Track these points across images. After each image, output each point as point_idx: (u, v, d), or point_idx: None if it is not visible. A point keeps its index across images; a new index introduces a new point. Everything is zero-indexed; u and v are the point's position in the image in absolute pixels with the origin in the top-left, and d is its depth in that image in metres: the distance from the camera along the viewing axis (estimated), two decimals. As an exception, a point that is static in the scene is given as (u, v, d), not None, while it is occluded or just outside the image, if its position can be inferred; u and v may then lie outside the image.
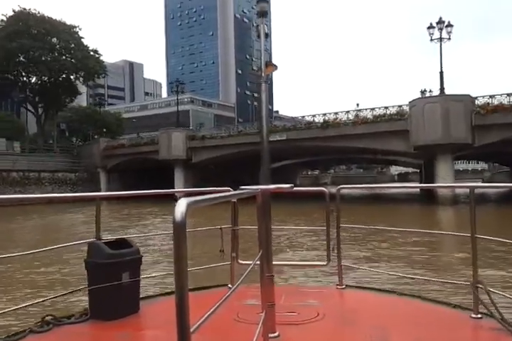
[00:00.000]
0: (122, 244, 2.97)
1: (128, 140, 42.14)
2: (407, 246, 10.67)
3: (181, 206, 0.96)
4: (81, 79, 46.72)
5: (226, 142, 33.65)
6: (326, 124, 28.08)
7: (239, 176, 37.09)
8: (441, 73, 24.69)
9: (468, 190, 2.78)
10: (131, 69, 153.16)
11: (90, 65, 44.27)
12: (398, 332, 2.52)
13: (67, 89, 45.63)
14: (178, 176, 36.51)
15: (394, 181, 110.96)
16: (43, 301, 3.07)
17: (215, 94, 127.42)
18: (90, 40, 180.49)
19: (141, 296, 3.06)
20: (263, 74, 2.31)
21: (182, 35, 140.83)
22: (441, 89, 24.36)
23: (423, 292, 5.11)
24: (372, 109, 26.79)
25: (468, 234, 2.71)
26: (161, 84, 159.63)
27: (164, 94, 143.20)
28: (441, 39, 24.97)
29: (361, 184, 71.10)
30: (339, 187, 3.51)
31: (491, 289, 2.67)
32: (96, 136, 50.19)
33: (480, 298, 2.69)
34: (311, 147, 31.01)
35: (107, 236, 3.09)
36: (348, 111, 27.86)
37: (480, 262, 2.87)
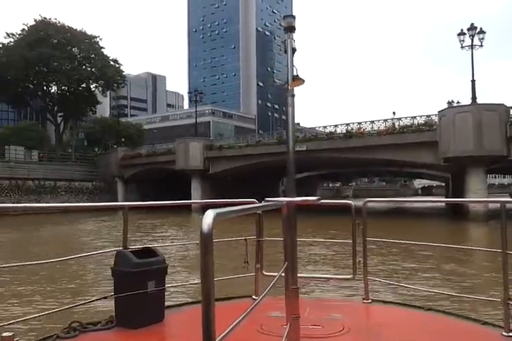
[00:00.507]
0: (148, 253, 3.00)
1: (146, 149, 41.48)
2: (435, 261, 10.35)
3: (208, 217, 0.98)
4: (100, 88, 46.61)
5: (244, 152, 32.62)
6: (348, 134, 26.80)
7: (258, 188, 36.08)
8: (473, 81, 23.22)
9: (499, 206, 2.72)
10: (154, 81, 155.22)
11: (110, 74, 44.14)
12: None
13: (87, 99, 45.54)
14: (195, 187, 35.56)
15: (417, 195, 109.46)
16: (69, 308, 3.09)
17: (236, 106, 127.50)
18: (115, 53, 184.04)
19: (166, 305, 3.08)
20: (289, 88, 2.35)
21: (204, 47, 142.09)
22: (473, 98, 22.88)
23: (452, 308, 4.87)
24: (399, 119, 25.42)
25: (500, 250, 2.64)
26: (183, 96, 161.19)
27: (186, 105, 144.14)
28: (472, 46, 23.57)
29: (384, 197, 69.83)
30: (366, 200, 3.42)
31: None
32: (115, 146, 49.90)
33: (511, 316, 2.60)
34: (333, 158, 29.75)
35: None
36: (372, 121, 26.54)
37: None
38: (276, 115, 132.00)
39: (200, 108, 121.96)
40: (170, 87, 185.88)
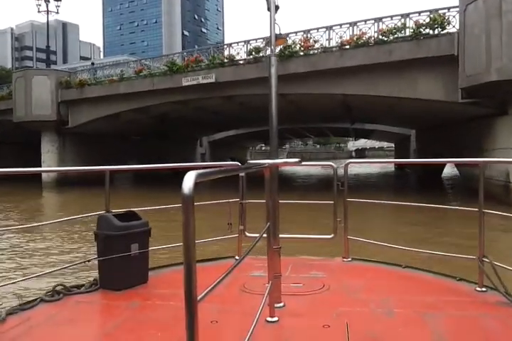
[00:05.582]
0: (131, 216, 2.99)
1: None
2: (415, 221, 10.05)
3: (190, 178, 0.96)
4: None
5: (118, 90, 19.93)
6: (288, 52, 15.00)
7: (162, 153, 24.35)
8: None
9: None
10: (65, 30, 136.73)
11: None
12: (403, 304, 2.50)
13: None
14: (48, 149, 22.48)
15: (352, 157, 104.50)
16: (52, 271, 3.25)
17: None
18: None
19: (149, 267, 3.07)
20: (272, 48, 2.21)
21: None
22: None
23: (429, 265, 4.51)
24: (379, 20, 13.85)
25: (476, 209, 2.68)
26: (99, 47, 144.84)
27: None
28: None
29: (319, 160, 64.31)
30: (347, 161, 3.61)
31: (497, 263, 2.59)
32: None
33: (485, 272, 2.66)
34: (261, 101, 18.02)
35: None
36: (330, 28, 14.82)
37: (487, 237, 2.73)
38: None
39: (114, 58, 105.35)
40: (84, 37, 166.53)
